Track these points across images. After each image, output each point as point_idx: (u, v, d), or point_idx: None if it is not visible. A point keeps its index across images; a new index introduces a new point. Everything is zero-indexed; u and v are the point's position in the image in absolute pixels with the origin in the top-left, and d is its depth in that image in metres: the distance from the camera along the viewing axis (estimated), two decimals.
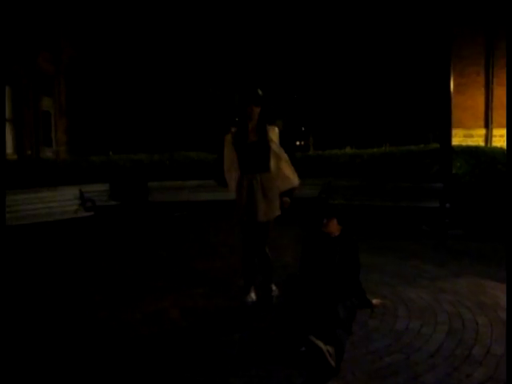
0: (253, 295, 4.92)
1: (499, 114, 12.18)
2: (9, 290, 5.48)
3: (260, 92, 4.77)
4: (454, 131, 10.94)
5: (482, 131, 13.00)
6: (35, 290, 5.66)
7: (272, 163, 4.78)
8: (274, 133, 4.81)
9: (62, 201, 9.69)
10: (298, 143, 25.69)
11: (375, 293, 4.93)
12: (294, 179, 4.92)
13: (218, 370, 3.48)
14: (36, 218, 8.84)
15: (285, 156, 4.85)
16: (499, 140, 12.42)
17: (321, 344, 3.32)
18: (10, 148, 14.69)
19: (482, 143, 12.65)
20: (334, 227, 4.44)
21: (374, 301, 4.65)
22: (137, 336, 4.16)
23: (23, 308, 5.02)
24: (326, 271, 4.35)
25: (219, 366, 3.55)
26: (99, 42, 20.36)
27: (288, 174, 4.87)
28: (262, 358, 3.65)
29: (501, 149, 9.89)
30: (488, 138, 12.95)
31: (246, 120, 4.77)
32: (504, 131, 11.04)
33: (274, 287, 4.94)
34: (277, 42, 22.21)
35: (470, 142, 11.88)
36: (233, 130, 4.88)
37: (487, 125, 12.98)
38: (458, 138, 11.91)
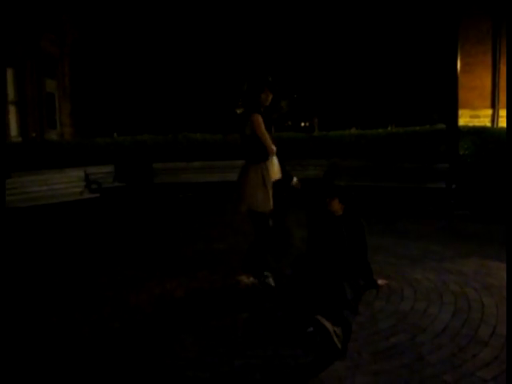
0: (271, 280, 4.86)
1: None
2: (16, 272, 5.53)
3: (270, 78, 4.70)
4: (461, 111, 10.85)
5: (489, 112, 12.83)
6: (41, 272, 5.68)
7: None
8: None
9: (68, 183, 9.72)
10: (302, 124, 25.58)
11: (381, 273, 4.93)
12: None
13: (224, 350, 3.50)
14: (42, 199, 8.88)
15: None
16: (506, 121, 12.28)
17: (328, 325, 3.33)
18: (14, 130, 14.68)
19: (488, 124, 12.50)
20: (337, 206, 4.53)
21: (380, 281, 4.66)
22: (143, 316, 4.19)
23: (29, 289, 5.06)
24: (331, 250, 4.37)
25: (225, 346, 3.56)
26: (103, 24, 20.24)
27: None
28: (269, 338, 3.66)
29: None
30: (494, 118, 12.79)
31: (262, 108, 4.63)
32: None
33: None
34: (280, 22, 21.99)
35: (477, 123, 11.75)
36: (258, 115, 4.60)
37: (494, 105, 12.81)
38: (464, 119, 11.77)
